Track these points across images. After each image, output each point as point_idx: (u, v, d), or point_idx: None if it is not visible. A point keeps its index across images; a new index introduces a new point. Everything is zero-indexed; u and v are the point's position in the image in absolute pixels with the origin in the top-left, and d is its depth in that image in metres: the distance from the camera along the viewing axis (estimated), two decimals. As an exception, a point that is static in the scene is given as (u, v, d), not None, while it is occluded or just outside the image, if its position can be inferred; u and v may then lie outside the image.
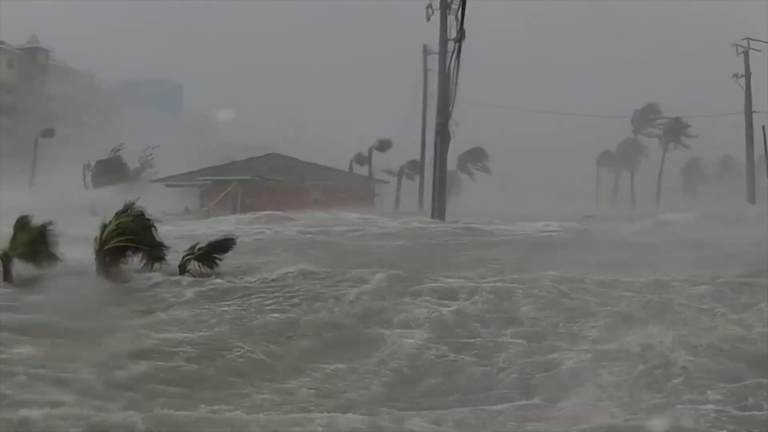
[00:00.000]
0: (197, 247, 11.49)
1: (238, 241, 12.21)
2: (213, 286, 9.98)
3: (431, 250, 16.89)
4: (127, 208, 11.55)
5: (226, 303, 8.84)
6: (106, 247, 10.98)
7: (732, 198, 49.10)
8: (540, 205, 40.00)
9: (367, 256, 14.97)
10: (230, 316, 8.11)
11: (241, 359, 6.41)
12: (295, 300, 8.99)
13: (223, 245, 11.65)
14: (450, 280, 10.24)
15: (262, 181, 39.56)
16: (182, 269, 11.11)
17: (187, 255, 11.34)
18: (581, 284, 9.78)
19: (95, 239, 11.05)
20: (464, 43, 30.67)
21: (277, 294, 9.35)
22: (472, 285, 9.77)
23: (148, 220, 11.56)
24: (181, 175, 41.99)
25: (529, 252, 16.01)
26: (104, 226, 11.21)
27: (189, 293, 9.45)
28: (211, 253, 11.46)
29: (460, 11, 30.10)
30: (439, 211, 31.81)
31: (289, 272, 10.80)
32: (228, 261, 11.55)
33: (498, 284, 9.86)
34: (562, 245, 18.46)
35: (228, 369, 6.11)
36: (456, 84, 31.03)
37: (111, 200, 13.53)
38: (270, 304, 8.77)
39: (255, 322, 7.87)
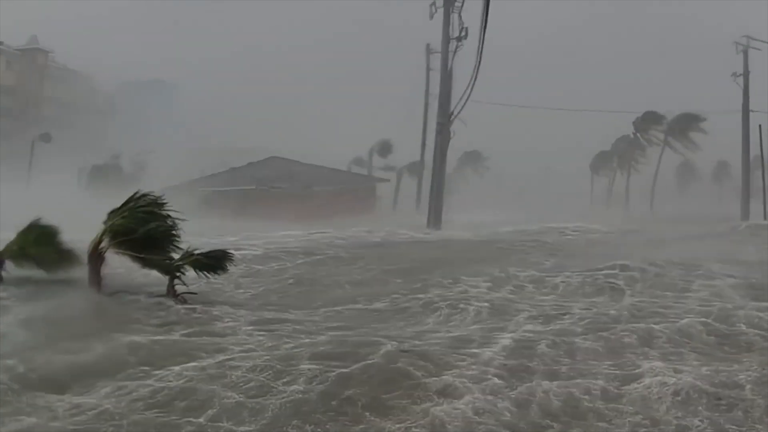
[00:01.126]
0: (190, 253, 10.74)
1: None
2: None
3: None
4: (124, 205, 10.84)
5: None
6: (97, 253, 10.54)
7: (727, 198, 48.45)
8: (537, 207, 39.69)
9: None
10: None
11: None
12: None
13: (220, 258, 10.90)
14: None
15: (266, 190, 39.28)
16: (171, 276, 10.37)
17: (178, 262, 10.57)
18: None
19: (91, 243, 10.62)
20: (466, 42, 30.43)
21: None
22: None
23: (159, 216, 10.76)
24: (184, 183, 41.41)
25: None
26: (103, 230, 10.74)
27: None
28: (213, 263, 10.74)
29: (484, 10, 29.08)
30: (435, 216, 31.33)
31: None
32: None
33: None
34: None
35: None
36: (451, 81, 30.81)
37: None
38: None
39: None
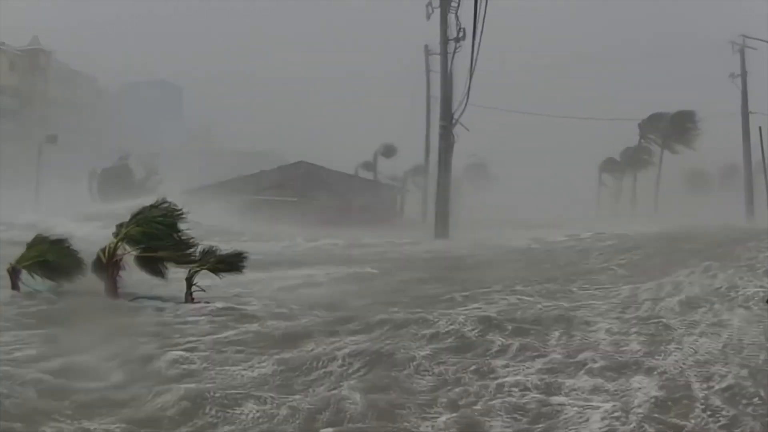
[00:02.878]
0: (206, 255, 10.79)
1: None
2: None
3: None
4: (138, 214, 10.97)
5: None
6: (113, 260, 10.67)
7: (731, 201, 48.28)
8: (545, 210, 39.72)
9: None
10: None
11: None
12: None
13: (234, 261, 10.95)
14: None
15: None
16: (189, 283, 10.30)
17: (195, 268, 10.63)
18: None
19: (102, 251, 10.74)
20: (464, 43, 30.31)
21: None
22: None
23: (170, 225, 10.78)
24: (214, 185, 41.33)
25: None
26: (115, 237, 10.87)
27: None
28: (228, 264, 10.78)
29: (480, 10, 28.86)
30: (442, 224, 31.10)
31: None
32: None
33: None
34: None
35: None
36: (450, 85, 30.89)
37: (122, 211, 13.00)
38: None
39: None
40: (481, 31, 27.23)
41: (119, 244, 10.75)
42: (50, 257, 10.98)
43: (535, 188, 52.73)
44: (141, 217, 10.94)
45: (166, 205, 10.98)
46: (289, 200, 39.09)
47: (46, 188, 42.51)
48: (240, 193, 39.52)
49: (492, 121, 46.21)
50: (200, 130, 75.52)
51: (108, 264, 10.67)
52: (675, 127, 54.05)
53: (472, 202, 44.32)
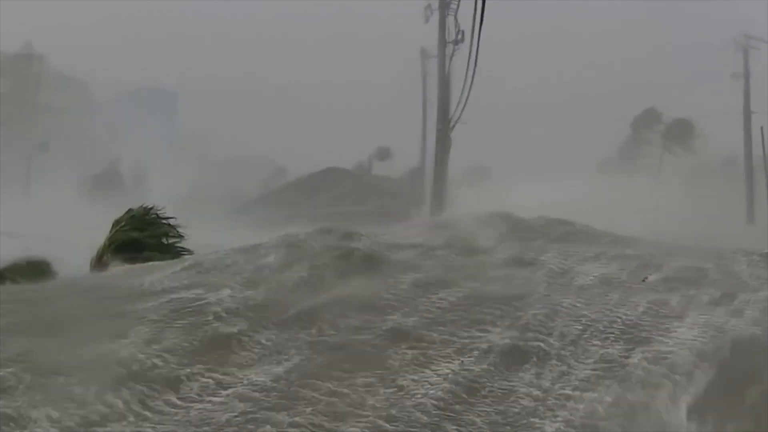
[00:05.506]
0: None
1: None
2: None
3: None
4: (122, 220, 10.77)
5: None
6: (101, 266, 10.47)
7: (730, 202, 47.95)
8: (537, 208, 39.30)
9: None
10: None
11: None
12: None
13: None
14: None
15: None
16: None
17: None
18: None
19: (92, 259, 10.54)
20: (462, 45, 30.12)
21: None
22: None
23: (161, 226, 10.62)
24: (253, 201, 40.85)
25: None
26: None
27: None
28: None
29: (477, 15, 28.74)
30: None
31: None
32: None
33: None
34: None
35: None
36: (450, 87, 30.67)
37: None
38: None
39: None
40: (479, 34, 27.30)
41: (106, 248, 10.53)
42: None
43: (532, 187, 52.42)
44: (125, 220, 10.76)
45: (152, 211, 10.81)
46: (361, 209, 38.99)
47: (37, 196, 42.14)
48: (298, 207, 39.15)
49: (491, 122, 45.99)
50: (196, 136, 75.09)
51: (96, 269, 10.47)
52: (674, 134, 54.09)
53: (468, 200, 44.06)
